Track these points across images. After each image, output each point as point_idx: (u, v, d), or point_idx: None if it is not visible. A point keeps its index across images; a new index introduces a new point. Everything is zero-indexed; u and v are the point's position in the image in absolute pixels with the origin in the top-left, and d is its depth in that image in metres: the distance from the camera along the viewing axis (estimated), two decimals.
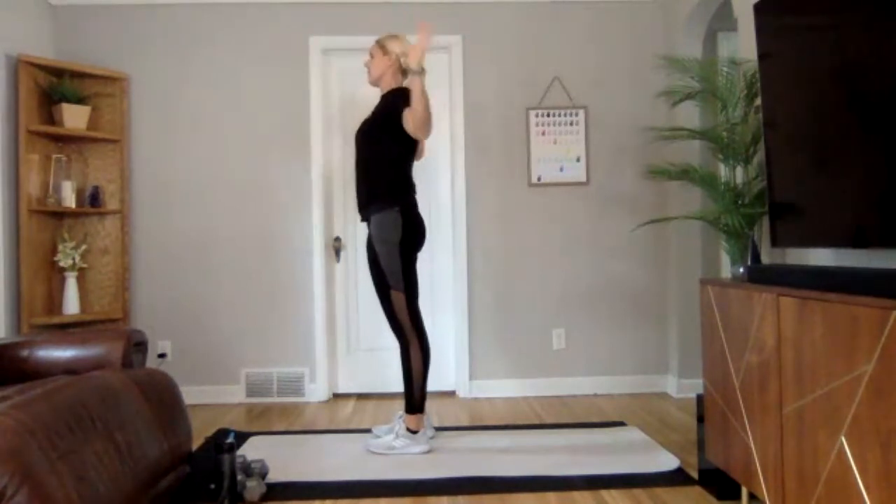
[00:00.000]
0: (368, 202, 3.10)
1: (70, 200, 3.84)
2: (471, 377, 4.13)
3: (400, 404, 3.32)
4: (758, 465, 2.08)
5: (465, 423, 3.56)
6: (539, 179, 4.16)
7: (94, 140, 3.95)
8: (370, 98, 3.25)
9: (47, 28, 4.01)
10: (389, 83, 3.16)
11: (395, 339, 3.13)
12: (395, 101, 3.06)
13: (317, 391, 4.10)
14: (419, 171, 3.26)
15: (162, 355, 4.03)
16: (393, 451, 2.98)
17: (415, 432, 3.03)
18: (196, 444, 2.92)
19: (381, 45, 3.17)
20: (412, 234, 3.06)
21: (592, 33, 4.21)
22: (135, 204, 4.09)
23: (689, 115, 3.75)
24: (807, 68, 2.11)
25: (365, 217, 3.15)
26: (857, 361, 1.56)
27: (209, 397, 4.06)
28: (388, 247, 3.03)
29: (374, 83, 3.20)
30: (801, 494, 1.82)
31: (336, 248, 4.19)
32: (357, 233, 4.19)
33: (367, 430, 3.32)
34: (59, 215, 3.92)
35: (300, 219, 4.13)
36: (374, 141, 3.11)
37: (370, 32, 4.02)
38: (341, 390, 4.20)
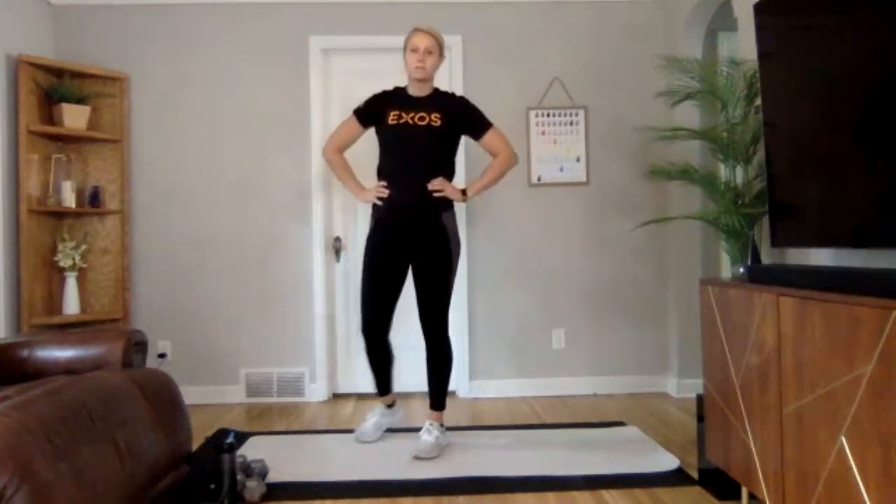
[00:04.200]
0: (439, 199, 3.02)
1: (70, 200, 3.84)
2: (471, 377, 4.13)
3: (401, 404, 3.36)
4: (758, 465, 2.08)
5: (465, 423, 3.55)
6: (539, 179, 4.16)
7: (94, 140, 3.95)
8: None
9: (47, 28, 4.00)
10: (434, 81, 3.15)
11: (433, 338, 3.06)
12: (463, 112, 3.08)
13: (317, 391, 4.10)
14: None
15: (162, 355, 4.03)
16: (442, 451, 3.00)
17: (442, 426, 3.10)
18: (196, 444, 2.92)
19: (440, 44, 3.07)
20: None
21: (592, 33, 4.21)
22: (135, 204, 4.08)
23: (689, 115, 3.74)
24: (807, 68, 2.11)
25: (424, 210, 3.02)
26: (857, 361, 1.56)
27: (209, 397, 4.05)
28: (458, 248, 3.08)
29: (427, 79, 3.09)
30: (801, 494, 1.82)
31: (336, 248, 4.19)
32: (357, 233, 4.19)
33: None
34: (59, 215, 3.92)
35: (300, 219, 4.13)
36: (448, 142, 3.08)
37: (370, 32, 4.05)
38: (341, 390, 4.20)
